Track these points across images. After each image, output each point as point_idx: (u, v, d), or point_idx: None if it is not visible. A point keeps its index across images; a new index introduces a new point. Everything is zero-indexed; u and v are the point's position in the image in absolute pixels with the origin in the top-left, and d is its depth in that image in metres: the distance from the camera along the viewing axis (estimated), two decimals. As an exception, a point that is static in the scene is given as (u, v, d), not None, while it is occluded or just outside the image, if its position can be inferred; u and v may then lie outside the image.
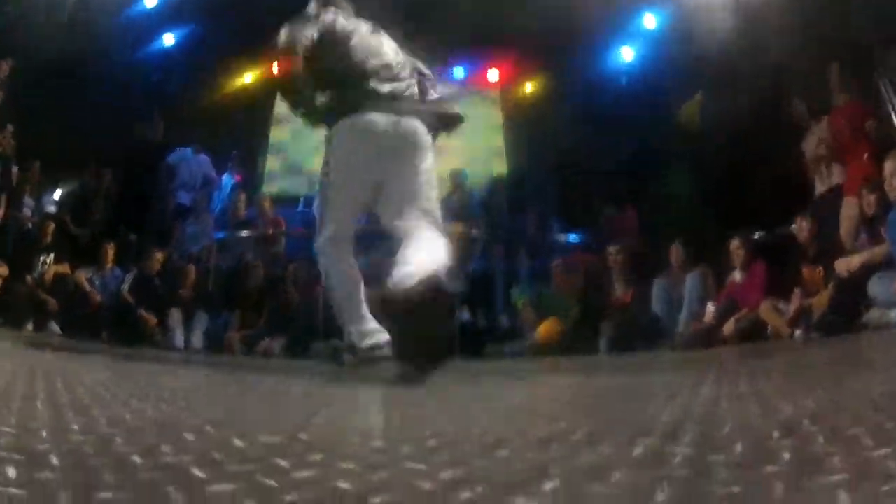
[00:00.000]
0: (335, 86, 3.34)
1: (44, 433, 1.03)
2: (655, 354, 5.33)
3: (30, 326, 5.76)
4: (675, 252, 6.24)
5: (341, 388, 2.61)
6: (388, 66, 3.36)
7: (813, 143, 5.68)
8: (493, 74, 10.06)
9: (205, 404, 1.54)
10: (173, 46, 8.89)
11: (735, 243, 5.72)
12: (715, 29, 6.73)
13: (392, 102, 3.29)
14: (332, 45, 3.32)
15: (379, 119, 3.22)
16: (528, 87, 9.88)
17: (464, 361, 5.92)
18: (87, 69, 7.44)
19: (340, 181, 3.29)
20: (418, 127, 3.28)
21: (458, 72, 10.04)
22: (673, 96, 7.89)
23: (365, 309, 3.27)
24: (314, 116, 3.46)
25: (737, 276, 5.73)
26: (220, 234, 7.81)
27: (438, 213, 3.27)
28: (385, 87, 3.30)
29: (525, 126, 9.40)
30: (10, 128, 6.43)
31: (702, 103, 7.46)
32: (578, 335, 6.12)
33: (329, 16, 3.37)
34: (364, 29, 3.54)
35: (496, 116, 10.07)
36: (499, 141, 9.93)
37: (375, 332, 3.17)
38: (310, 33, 3.26)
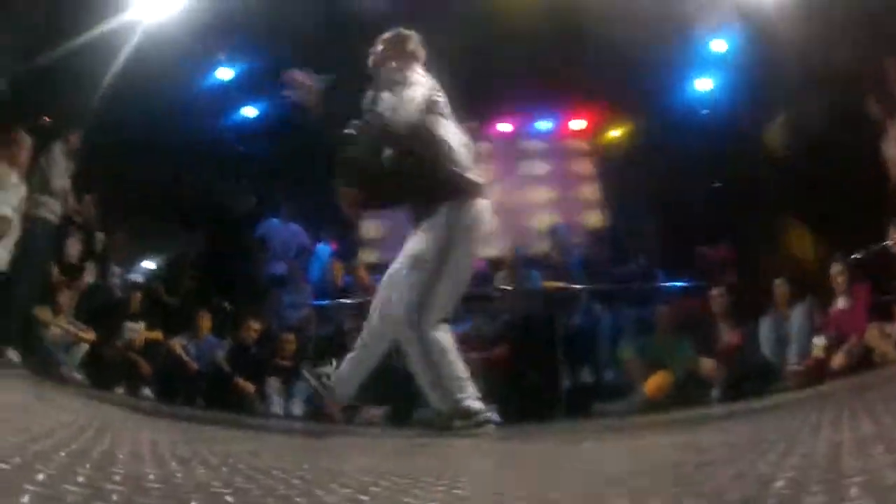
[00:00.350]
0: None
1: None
2: (768, 398, 4.85)
3: (121, 390, 5.82)
4: (779, 287, 5.83)
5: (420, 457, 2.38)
6: None
7: (891, 145, 5.20)
8: (578, 124, 9.88)
9: (252, 472, 1.36)
10: (256, 118, 9.18)
11: (835, 268, 5.36)
12: (784, 42, 6.37)
13: None
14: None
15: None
16: (615, 133, 9.63)
17: (570, 422, 5.64)
18: (171, 141, 7.64)
19: (465, 263, 3.38)
20: None
21: (544, 125, 9.95)
22: (756, 120, 7.48)
23: (467, 375, 3.25)
24: None
25: (841, 302, 5.32)
26: (321, 302, 7.84)
27: None
28: None
29: (617, 173, 9.13)
30: (88, 197, 6.58)
31: (784, 123, 7.00)
32: (689, 385, 5.73)
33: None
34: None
35: (585, 167, 9.86)
36: (588, 192, 9.71)
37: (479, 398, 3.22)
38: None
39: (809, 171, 6.64)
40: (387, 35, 3.71)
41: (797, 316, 5.53)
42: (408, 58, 3.58)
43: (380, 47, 3.68)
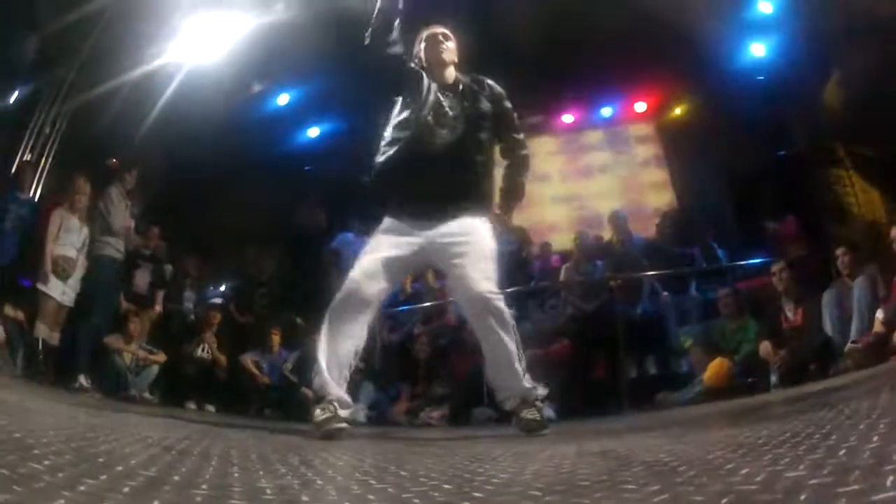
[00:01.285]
0: None
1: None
2: (829, 381, 4.44)
3: (192, 405, 6.17)
4: (842, 255, 5.31)
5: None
6: None
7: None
8: (640, 106, 9.63)
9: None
10: (319, 137, 9.52)
11: (895, 230, 4.76)
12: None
13: None
14: None
15: None
16: (676, 111, 9.31)
17: (633, 413, 5.45)
18: (237, 166, 8.08)
19: None
20: None
21: (607, 111, 9.76)
22: (813, 79, 6.94)
23: None
24: None
25: (904, 270, 4.73)
26: (390, 309, 8.03)
27: None
28: None
29: (680, 151, 8.79)
30: (155, 230, 7.01)
31: (839, 79, 6.44)
32: (748, 372, 5.42)
33: None
34: None
35: (651, 149, 9.57)
36: (654, 174, 9.41)
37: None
38: None
39: (870, 127, 6.12)
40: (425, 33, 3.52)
41: (858, 286, 4.98)
42: None
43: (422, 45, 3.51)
